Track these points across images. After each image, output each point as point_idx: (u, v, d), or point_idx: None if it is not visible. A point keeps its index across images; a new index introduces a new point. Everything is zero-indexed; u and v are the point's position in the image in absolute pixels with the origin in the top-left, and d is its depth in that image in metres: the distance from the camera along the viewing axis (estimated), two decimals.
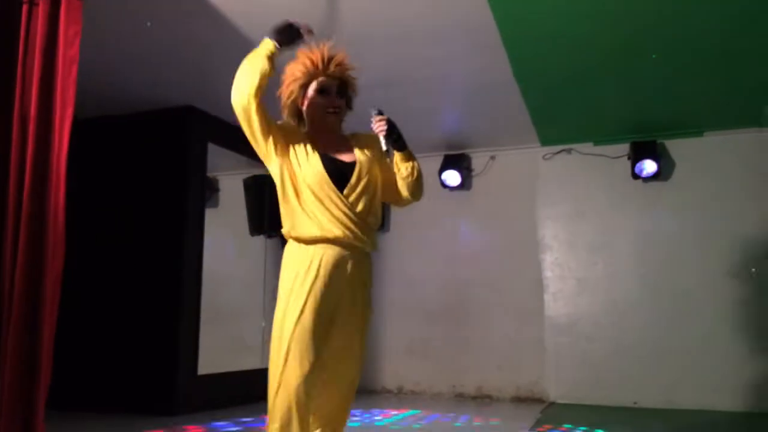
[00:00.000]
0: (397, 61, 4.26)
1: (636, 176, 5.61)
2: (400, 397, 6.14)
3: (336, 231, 2.40)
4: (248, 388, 5.41)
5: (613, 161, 5.77)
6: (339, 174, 2.47)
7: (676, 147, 5.65)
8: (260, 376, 5.69)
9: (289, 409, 2.30)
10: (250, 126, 2.38)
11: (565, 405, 5.56)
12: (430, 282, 6.23)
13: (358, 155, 2.53)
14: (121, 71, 4.45)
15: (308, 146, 2.50)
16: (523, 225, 6.05)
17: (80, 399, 4.87)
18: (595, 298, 5.74)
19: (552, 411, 5.25)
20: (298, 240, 2.42)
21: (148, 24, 3.64)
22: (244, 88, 2.36)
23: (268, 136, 2.42)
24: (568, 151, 5.96)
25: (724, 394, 5.19)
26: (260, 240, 6.24)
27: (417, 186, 2.57)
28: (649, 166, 5.53)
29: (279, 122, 2.53)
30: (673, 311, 5.45)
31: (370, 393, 6.26)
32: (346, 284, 2.43)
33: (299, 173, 2.46)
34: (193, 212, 5.04)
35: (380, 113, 2.48)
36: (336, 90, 2.54)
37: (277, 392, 2.32)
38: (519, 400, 5.84)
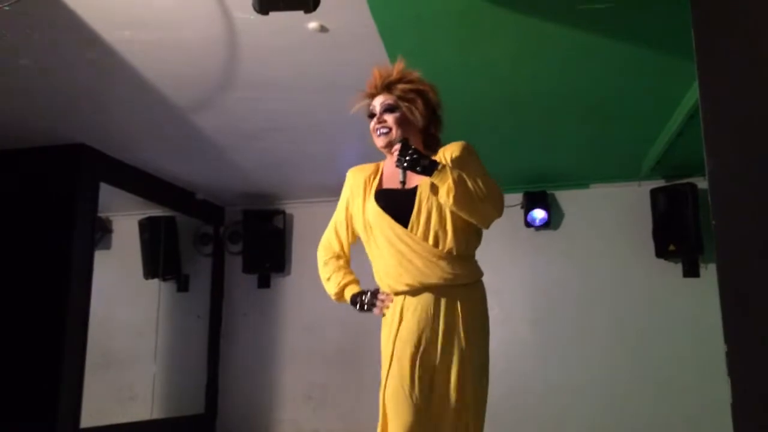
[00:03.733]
0: (294, 107, 4.29)
1: (528, 224, 5.86)
2: None
3: (407, 278, 2.13)
4: None
5: (509, 209, 5.97)
6: (399, 206, 2.16)
7: (564, 198, 5.96)
8: (149, 428, 5.49)
9: None
10: None
11: None
12: (330, 326, 6.18)
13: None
14: (4, 105, 4.22)
15: (370, 187, 2.26)
16: None
17: None
18: (492, 342, 5.86)
19: None
20: None
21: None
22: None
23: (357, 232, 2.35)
24: None
25: None
26: (155, 283, 6.00)
27: (463, 206, 2.09)
28: (539, 215, 5.81)
29: (347, 186, 2.43)
30: (561, 354, 5.66)
31: None
32: (433, 328, 2.19)
33: (366, 222, 2.24)
34: (80, 254, 4.79)
35: (400, 142, 2.09)
36: (383, 108, 2.21)
37: None
38: None
